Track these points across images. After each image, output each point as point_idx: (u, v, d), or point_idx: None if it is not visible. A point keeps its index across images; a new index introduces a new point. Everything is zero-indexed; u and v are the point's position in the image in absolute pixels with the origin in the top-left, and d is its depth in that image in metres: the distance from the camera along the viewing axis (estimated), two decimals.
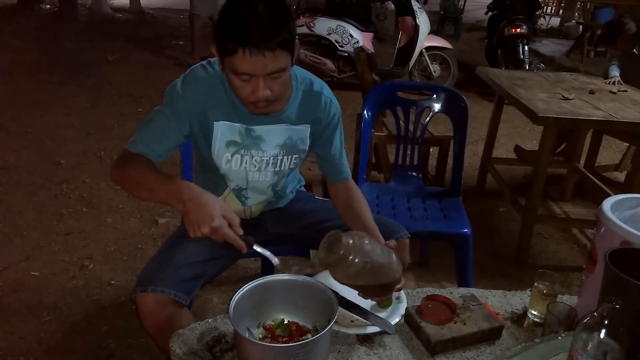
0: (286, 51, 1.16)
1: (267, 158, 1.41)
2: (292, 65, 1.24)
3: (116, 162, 1.34)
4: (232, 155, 1.39)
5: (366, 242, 1.10)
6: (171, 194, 1.16)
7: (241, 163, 1.40)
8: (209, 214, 1.11)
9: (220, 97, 1.33)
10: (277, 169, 1.45)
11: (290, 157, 1.44)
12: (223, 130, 1.35)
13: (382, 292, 1.17)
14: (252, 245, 1.13)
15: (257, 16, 1.12)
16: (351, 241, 1.07)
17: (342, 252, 1.06)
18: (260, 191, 1.50)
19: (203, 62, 1.36)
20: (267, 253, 1.14)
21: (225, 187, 1.48)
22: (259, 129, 1.37)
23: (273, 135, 1.39)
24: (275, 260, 1.15)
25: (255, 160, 1.41)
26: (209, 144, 1.37)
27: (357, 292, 1.18)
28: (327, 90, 1.44)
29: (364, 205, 1.47)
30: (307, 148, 1.46)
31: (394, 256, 1.16)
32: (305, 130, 1.43)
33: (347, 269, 1.07)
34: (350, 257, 1.06)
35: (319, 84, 1.43)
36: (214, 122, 1.34)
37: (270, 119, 1.36)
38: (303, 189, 1.75)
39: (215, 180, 1.48)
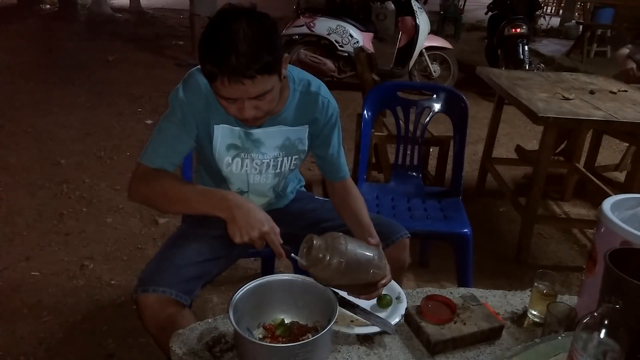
0: (268, 75, 1.13)
1: (267, 160, 1.42)
2: (281, 79, 1.22)
3: (135, 179, 1.31)
4: (232, 159, 1.39)
5: (341, 242, 1.10)
6: (215, 203, 1.19)
7: (242, 166, 1.41)
8: (259, 219, 1.15)
9: (204, 100, 1.32)
10: (278, 170, 1.45)
11: (290, 158, 1.45)
12: (223, 134, 1.36)
13: (366, 289, 1.18)
14: (290, 254, 1.14)
15: (235, 42, 1.08)
16: (323, 243, 1.09)
17: (315, 254, 1.07)
18: (262, 193, 1.50)
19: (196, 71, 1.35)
20: (299, 259, 1.13)
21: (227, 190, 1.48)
22: (258, 132, 1.37)
23: (272, 137, 1.39)
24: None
25: (255, 163, 1.41)
26: (210, 147, 1.37)
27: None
28: (324, 90, 1.44)
29: (360, 203, 1.48)
30: (306, 148, 1.46)
31: (375, 253, 1.17)
32: (303, 130, 1.43)
33: (324, 271, 1.08)
34: (326, 259, 1.07)
35: (316, 84, 1.43)
36: (214, 126, 1.34)
37: (268, 122, 1.36)
38: (303, 189, 1.75)
39: (217, 184, 1.48)
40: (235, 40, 1.08)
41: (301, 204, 1.66)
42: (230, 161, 1.39)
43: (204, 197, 1.22)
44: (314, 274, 1.12)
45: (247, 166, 1.41)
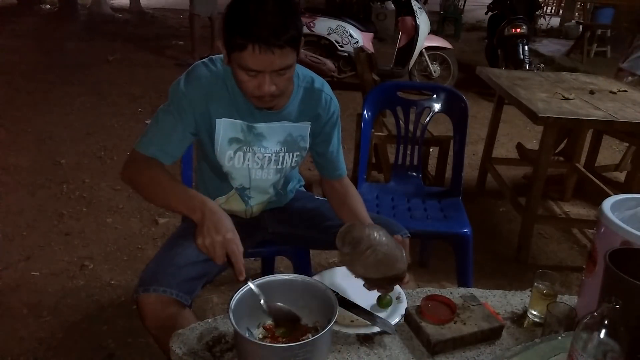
0: (293, 48, 1.18)
1: (269, 155, 1.42)
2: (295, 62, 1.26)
3: (127, 163, 1.34)
4: (234, 153, 1.40)
5: (382, 233, 1.14)
6: (191, 204, 1.19)
7: (244, 160, 1.41)
8: (225, 226, 1.15)
9: (222, 94, 1.34)
10: (279, 166, 1.46)
11: (291, 154, 1.46)
12: (225, 127, 1.36)
13: (391, 284, 1.20)
14: (248, 280, 1.10)
15: (266, 13, 1.12)
16: (371, 233, 1.12)
17: (362, 243, 1.10)
18: (263, 190, 1.51)
19: (204, 59, 1.37)
20: (257, 290, 1.10)
21: (229, 188, 1.49)
22: (260, 126, 1.38)
23: (274, 132, 1.40)
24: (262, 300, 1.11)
25: (257, 157, 1.42)
26: (212, 141, 1.38)
27: (362, 285, 1.20)
28: (327, 88, 1.46)
29: (359, 201, 1.49)
30: (307, 146, 1.48)
31: (402, 250, 1.20)
32: (305, 127, 1.45)
33: (365, 260, 1.11)
34: (370, 249, 1.11)
35: (319, 81, 1.45)
36: (216, 120, 1.35)
37: (271, 116, 1.38)
38: (303, 188, 1.75)
39: (218, 181, 1.48)
40: (266, 10, 1.12)
41: (301, 203, 1.66)
42: (232, 155, 1.40)
43: (184, 195, 1.22)
44: (351, 264, 1.14)
45: (249, 160, 1.42)
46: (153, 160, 1.31)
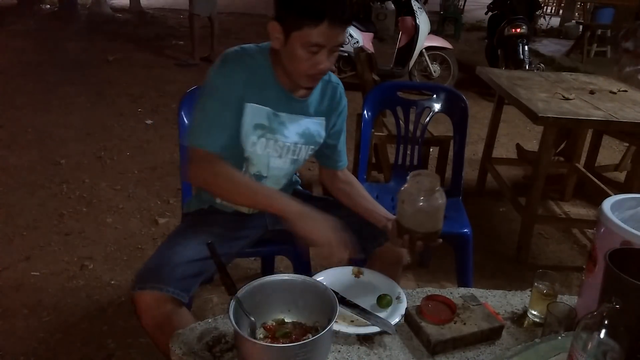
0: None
1: (289, 144, 1.46)
2: None
3: (195, 164, 1.35)
4: (258, 138, 1.42)
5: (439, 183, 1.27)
6: (285, 202, 1.29)
7: (265, 147, 1.44)
8: (330, 227, 1.25)
9: (254, 79, 1.37)
10: (295, 157, 1.50)
11: (307, 147, 1.51)
12: (253, 112, 1.39)
13: (432, 240, 1.30)
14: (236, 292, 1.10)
15: None
16: (434, 180, 1.26)
17: (436, 186, 1.24)
18: (277, 180, 1.53)
19: (236, 47, 1.39)
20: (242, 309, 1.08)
21: (244, 173, 1.48)
22: (284, 116, 1.43)
23: (295, 123, 1.45)
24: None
25: (278, 145, 1.45)
26: (238, 124, 1.39)
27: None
28: (340, 83, 1.57)
29: (363, 188, 1.61)
30: (321, 140, 1.54)
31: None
32: (321, 123, 1.51)
33: (430, 202, 1.24)
34: (437, 193, 1.23)
35: (334, 76, 1.55)
36: (246, 104, 1.38)
37: (295, 107, 1.43)
38: (299, 187, 1.76)
39: (235, 165, 1.46)
40: None
41: (299, 201, 1.66)
42: (255, 140, 1.41)
43: (269, 192, 1.32)
44: (412, 212, 1.26)
45: (270, 147, 1.44)
46: (216, 156, 1.33)
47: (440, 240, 1.33)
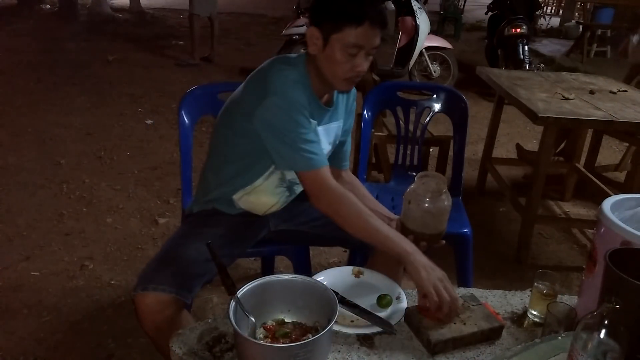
0: None
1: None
2: None
3: (327, 193, 1.34)
4: None
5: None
6: (403, 245, 1.26)
7: None
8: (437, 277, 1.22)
9: (304, 95, 1.35)
10: None
11: (331, 150, 1.55)
12: None
13: (435, 241, 1.35)
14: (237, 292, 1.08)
15: None
16: (440, 183, 1.28)
17: (443, 188, 1.26)
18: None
19: (281, 65, 1.35)
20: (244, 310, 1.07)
21: (269, 164, 1.44)
22: (321, 129, 1.45)
23: (327, 133, 1.48)
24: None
25: None
26: None
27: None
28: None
29: (364, 188, 1.64)
30: (338, 141, 1.57)
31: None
32: (340, 125, 1.54)
33: (434, 208, 1.27)
34: (443, 195, 1.26)
35: None
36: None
37: (324, 117, 1.44)
38: None
39: (256, 158, 1.44)
40: None
41: (300, 201, 1.66)
42: None
43: (391, 234, 1.27)
44: (418, 213, 1.30)
45: None
46: (347, 192, 1.33)
47: (444, 241, 1.34)
